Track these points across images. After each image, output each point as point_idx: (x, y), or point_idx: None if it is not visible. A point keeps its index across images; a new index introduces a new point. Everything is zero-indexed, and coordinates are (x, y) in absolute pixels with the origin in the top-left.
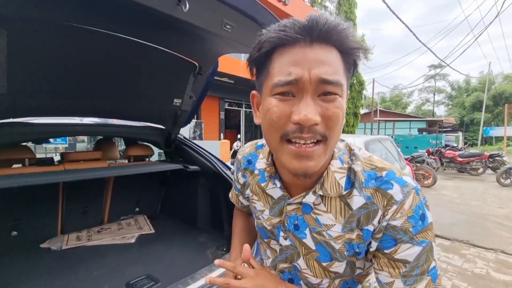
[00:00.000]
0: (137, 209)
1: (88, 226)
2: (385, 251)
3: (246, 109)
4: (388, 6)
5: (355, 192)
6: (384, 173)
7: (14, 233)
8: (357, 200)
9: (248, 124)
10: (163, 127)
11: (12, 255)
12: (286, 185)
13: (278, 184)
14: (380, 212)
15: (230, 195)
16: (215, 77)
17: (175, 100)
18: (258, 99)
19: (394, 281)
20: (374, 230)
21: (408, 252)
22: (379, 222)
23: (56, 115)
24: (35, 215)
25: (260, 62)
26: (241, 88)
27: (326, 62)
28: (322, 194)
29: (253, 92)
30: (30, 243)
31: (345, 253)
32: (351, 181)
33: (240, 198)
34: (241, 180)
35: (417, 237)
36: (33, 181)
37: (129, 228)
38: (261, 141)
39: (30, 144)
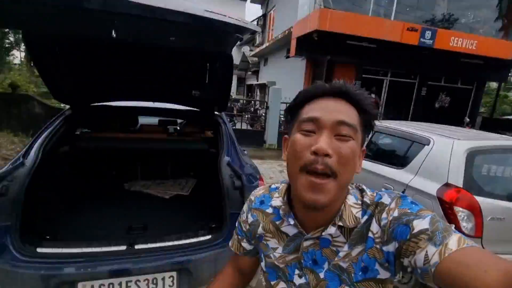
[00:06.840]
0: (191, 173)
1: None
2: (406, 237)
3: (391, 78)
4: None
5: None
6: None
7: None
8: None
9: (391, 94)
10: (198, 110)
11: (109, 188)
12: (300, 222)
13: (292, 221)
14: (375, 218)
15: (230, 244)
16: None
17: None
18: (287, 141)
19: (426, 251)
20: (376, 234)
21: (421, 222)
22: (379, 225)
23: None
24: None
25: (294, 109)
26: (385, 54)
27: (344, 111)
28: (341, 225)
29: (285, 136)
30: (119, 182)
31: (353, 275)
32: (365, 213)
33: (243, 242)
34: (250, 220)
35: (420, 213)
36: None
37: (175, 187)
38: (275, 185)
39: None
